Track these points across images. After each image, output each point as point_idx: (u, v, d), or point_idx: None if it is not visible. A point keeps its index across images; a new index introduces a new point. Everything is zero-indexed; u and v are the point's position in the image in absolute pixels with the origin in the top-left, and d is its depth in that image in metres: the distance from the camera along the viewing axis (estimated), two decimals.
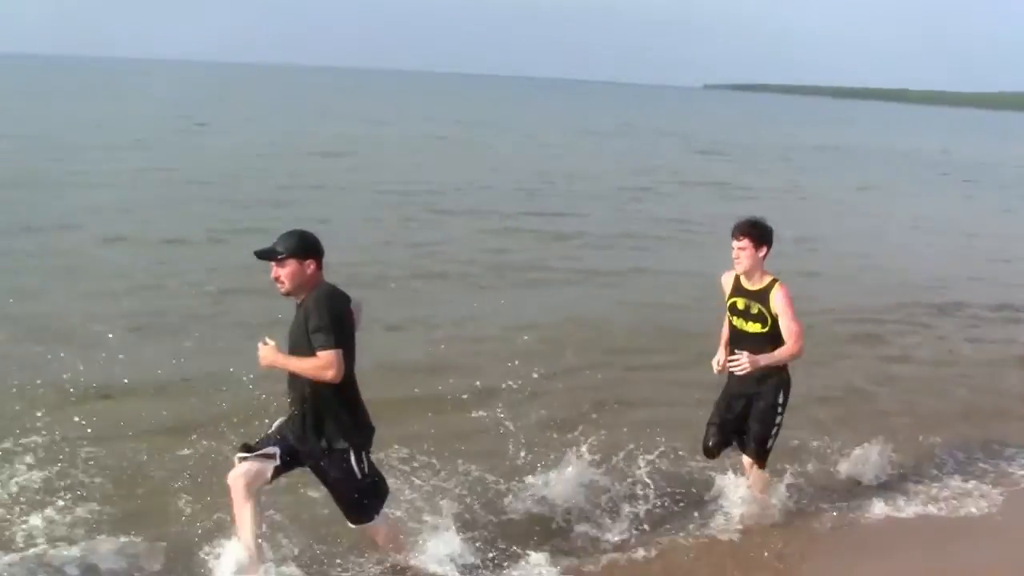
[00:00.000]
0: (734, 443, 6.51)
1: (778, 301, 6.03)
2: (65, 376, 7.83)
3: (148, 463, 6.72)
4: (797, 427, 7.38)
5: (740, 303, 6.18)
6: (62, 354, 8.37)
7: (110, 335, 9.18)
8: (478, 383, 8.57)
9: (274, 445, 5.20)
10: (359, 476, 5.15)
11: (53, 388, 7.73)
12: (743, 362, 6.05)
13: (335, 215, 17.28)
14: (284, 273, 4.97)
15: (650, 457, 6.89)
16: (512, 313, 11.46)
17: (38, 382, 7.80)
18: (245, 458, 5.16)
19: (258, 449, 5.19)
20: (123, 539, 5.58)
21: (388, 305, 11.06)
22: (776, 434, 6.36)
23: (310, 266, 4.99)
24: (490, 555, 5.75)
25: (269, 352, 5.06)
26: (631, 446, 7.02)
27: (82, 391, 7.73)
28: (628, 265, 15.26)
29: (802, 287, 10.07)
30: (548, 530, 6.20)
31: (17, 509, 5.86)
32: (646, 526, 6.33)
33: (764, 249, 6.09)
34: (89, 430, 6.99)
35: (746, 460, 6.57)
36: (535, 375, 8.70)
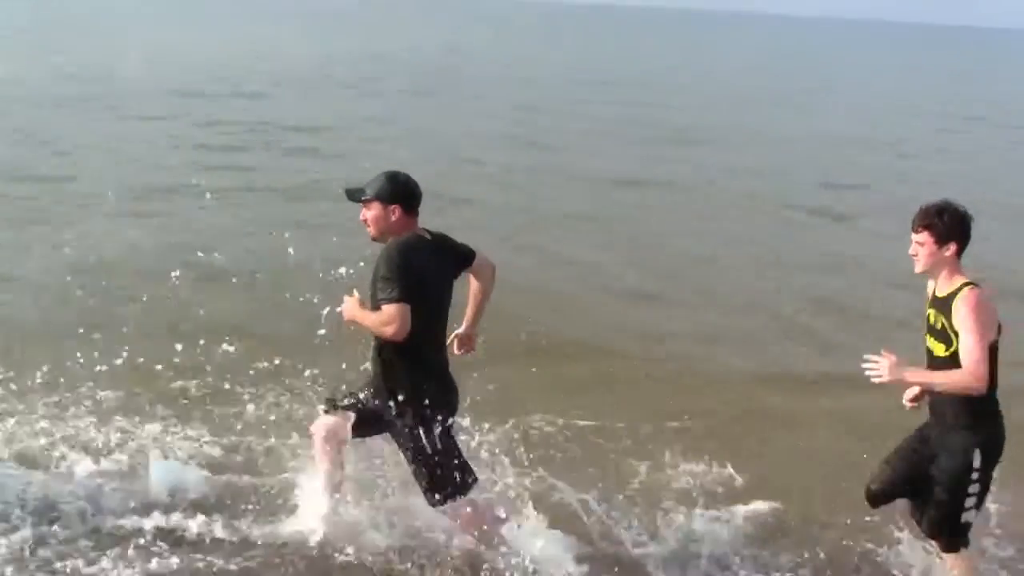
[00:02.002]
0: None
1: (960, 310, 4.51)
2: None
3: None
4: None
5: (930, 316, 4.75)
6: None
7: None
8: None
9: (353, 404, 4.93)
10: (428, 450, 4.66)
11: None
12: (880, 363, 4.48)
13: None
14: (369, 216, 4.74)
15: None
16: None
17: None
18: (327, 411, 4.99)
19: (340, 405, 4.96)
20: None
21: None
22: (970, 508, 4.73)
23: (395, 211, 4.69)
24: None
25: (351, 305, 4.73)
26: None
27: None
28: None
29: None
30: None
31: None
32: None
33: (952, 246, 4.61)
34: None
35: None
36: None
